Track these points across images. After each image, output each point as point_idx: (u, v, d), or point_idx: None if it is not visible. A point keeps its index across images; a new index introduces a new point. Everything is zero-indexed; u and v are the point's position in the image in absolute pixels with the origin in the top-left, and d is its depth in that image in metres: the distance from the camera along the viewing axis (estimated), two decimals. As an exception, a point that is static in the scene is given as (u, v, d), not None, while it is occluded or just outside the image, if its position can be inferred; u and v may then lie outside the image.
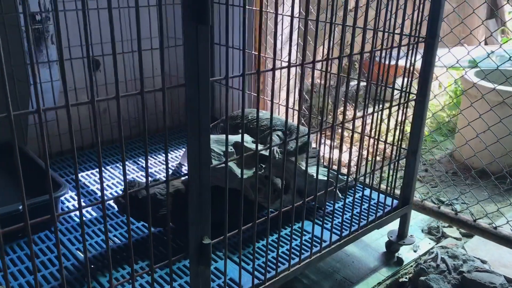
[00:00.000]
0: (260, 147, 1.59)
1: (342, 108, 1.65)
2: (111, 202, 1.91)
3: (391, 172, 1.91)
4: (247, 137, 1.79)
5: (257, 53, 1.24)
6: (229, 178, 1.28)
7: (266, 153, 1.74)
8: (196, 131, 1.12)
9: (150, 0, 2.44)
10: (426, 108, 1.83)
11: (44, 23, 2.19)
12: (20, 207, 1.58)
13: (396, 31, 1.68)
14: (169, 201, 1.47)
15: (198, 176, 1.16)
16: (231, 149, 1.72)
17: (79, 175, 2.17)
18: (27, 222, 0.96)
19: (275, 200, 1.76)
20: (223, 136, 1.76)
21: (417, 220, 2.31)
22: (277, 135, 1.85)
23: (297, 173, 1.70)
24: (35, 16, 2.17)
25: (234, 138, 1.75)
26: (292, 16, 1.29)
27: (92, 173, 2.16)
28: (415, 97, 1.81)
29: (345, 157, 2.61)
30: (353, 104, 3.25)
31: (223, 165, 1.30)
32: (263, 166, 1.72)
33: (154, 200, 1.55)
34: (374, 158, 1.89)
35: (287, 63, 2.26)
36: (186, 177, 1.28)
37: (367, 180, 2.01)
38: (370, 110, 1.75)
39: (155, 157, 2.36)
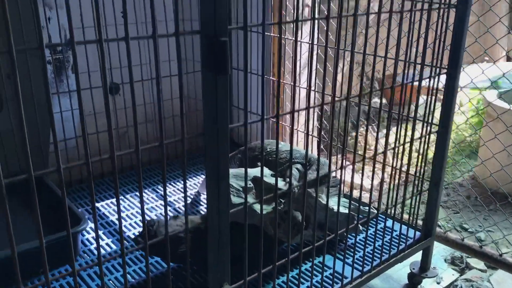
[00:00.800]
0: (279, 181, 1.58)
1: (363, 137, 1.62)
2: (130, 234, 1.91)
3: (413, 202, 1.88)
4: (266, 170, 1.78)
5: (275, 79, 1.23)
6: (248, 214, 1.27)
7: (285, 187, 1.73)
8: (215, 179, 1.11)
9: (168, 29, 2.46)
10: (448, 140, 1.79)
11: (65, 53, 2.22)
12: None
13: (416, 59, 1.66)
14: (189, 239, 1.46)
15: (217, 223, 1.15)
16: (249, 183, 1.71)
17: (98, 204, 2.17)
18: (45, 265, 0.95)
19: (295, 235, 1.74)
20: (242, 170, 1.75)
21: (440, 249, 2.26)
22: (297, 168, 1.83)
23: (318, 207, 1.68)
24: (56, 47, 2.19)
25: (253, 172, 1.73)
26: (311, 43, 1.27)
27: (112, 202, 2.17)
28: (437, 129, 1.78)
29: (365, 183, 2.58)
30: (371, 129, 3.22)
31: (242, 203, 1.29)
32: (283, 201, 1.70)
33: (173, 238, 1.54)
34: (395, 189, 1.85)
35: (305, 88, 2.24)
36: (205, 213, 1.26)
37: (389, 210, 1.98)
38: (391, 137, 1.73)
39: (174, 184, 2.35)
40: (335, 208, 1.84)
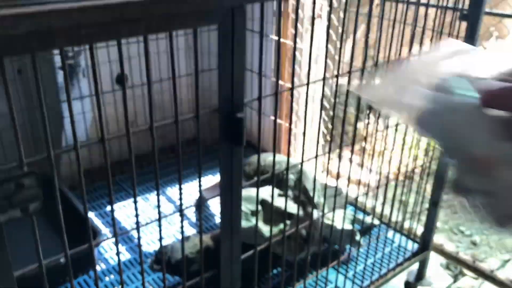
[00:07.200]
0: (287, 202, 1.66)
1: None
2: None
3: (413, 218, 1.97)
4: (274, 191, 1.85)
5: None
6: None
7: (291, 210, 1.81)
8: (229, 234, 1.20)
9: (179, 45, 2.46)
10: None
11: (76, 58, 2.25)
12: (62, 260, 1.69)
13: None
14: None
15: (229, 272, 1.24)
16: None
17: (107, 208, 2.26)
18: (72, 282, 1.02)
19: (301, 252, 1.84)
20: (250, 193, 1.82)
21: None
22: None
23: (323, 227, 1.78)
24: (68, 53, 2.22)
25: (260, 193, 1.80)
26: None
27: (123, 205, 2.26)
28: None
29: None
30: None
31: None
32: (288, 222, 1.79)
33: (186, 260, 1.64)
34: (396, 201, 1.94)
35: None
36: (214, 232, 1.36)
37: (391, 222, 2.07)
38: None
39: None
40: (338, 226, 1.94)
